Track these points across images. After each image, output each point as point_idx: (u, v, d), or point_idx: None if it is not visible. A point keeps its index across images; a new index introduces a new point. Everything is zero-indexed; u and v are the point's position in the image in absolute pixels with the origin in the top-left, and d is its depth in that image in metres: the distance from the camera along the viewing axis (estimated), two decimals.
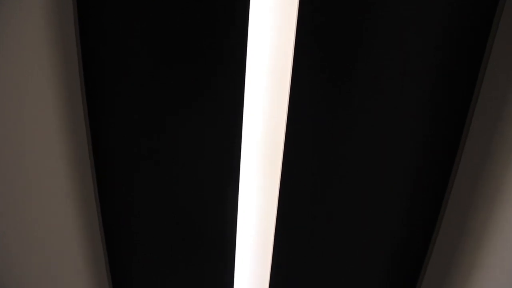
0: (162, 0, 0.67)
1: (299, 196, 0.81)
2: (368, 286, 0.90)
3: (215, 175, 0.81)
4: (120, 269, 0.96)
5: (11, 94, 0.72)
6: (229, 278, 0.93)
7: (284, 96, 0.71)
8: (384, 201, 0.80)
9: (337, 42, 0.67)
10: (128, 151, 0.81)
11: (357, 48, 0.68)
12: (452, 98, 0.70)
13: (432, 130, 0.73)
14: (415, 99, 0.70)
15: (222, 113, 0.75)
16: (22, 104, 0.74)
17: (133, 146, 0.80)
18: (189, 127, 0.77)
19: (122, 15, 0.69)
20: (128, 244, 0.92)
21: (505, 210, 0.71)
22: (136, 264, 0.95)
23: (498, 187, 0.72)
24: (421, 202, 0.79)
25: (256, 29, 0.67)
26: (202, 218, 0.87)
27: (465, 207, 0.78)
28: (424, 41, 0.66)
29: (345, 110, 0.72)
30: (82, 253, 0.94)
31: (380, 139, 0.74)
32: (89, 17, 0.69)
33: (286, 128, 0.74)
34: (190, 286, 0.97)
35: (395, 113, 0.72)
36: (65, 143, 0.81)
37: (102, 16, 0.69)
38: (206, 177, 0.82)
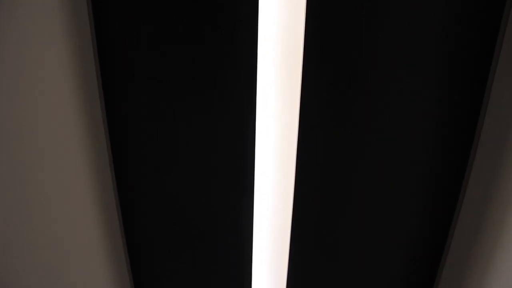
0: None
1: (314, 196, 0.82)
2: (385, 287, 0.89)
3: (230, 176, 0.82)
4: (140, 271, 0.97)
5: (29, 91, 0.71)
6: (246, 283, 0.93)
7: (295, 95, 0.72)
8: (399, 201, 0.80)
9: (348, 38, 0.68)
10: (144, 152, 0.82)
11: (370, 45, 0.68)
12: (464, 97, 0.69)
13: (446, 129, 0.72)
14: (428, 94, 0.70)
15: (236, 113, 0.76)
16: (40, 101, 0.73)
17: (149, 147, 0.82)
18: (206, 127, 0.78)
19: (135, 14, 0.70)
20: (147, 246, 0.94)
21: None
22: (154, 268, 0.96)
23: None
24: (437, 202, 0.79)
25: (265, 27, 0.68)
26: (218, 220, 0.87)
27: (480, 206, 0.77)
28: (437, 40, 0.66)
29: (358, 107, 0.73)
30: (103, 256, 0.95)
31: (393, 138, 0.74)
32: (105, 10, 0.70)
33: (299, 127, 0.75)
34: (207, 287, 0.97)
35: (408, 112, 0.72)
36: (84, 144, 0.81)
37: (118, 12, 0.69)
38: (221, 178, 0.83)
